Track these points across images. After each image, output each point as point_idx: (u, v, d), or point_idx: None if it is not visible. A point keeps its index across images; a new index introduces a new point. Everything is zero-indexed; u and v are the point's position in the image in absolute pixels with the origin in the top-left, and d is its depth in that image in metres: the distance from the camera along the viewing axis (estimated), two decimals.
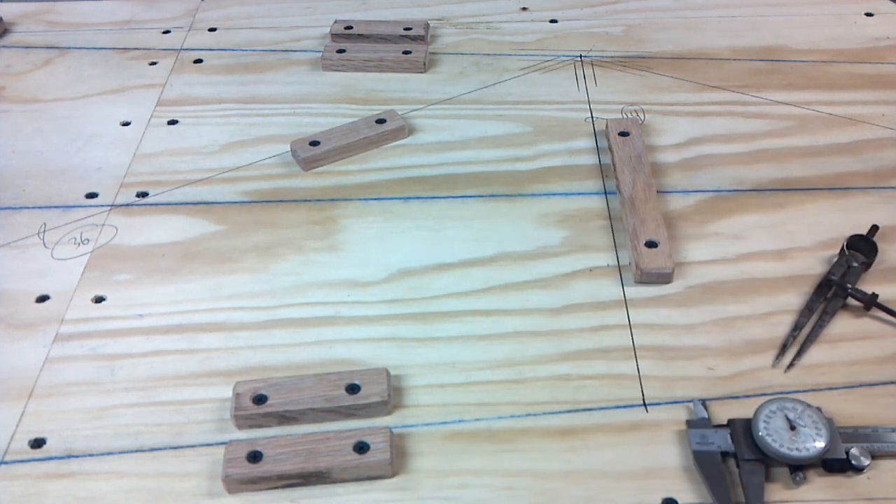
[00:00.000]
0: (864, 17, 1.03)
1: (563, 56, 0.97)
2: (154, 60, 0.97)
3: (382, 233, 0.76)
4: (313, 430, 0.61)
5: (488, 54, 0.98)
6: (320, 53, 0.96)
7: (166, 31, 1.02)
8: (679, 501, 0.56)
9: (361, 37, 0.98)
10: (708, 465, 0.57)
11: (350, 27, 0.98)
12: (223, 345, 0.67)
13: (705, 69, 0.95)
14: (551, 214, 0.77)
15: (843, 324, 0.68)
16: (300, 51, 0.99)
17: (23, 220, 0.77)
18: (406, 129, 0.86)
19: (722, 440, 0.58)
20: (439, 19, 1.04)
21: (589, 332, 0.67)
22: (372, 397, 0.61)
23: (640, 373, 0.64)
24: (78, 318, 0.69)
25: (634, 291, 0.70)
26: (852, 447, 0.57)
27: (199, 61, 0.97)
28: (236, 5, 1.07)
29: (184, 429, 0.61)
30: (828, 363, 0.65)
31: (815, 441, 0.57)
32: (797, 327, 0.67)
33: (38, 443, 0.61)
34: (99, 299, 0.71)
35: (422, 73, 0.95)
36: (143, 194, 0.80)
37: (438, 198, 0.80)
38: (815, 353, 0.66)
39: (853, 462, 0.57)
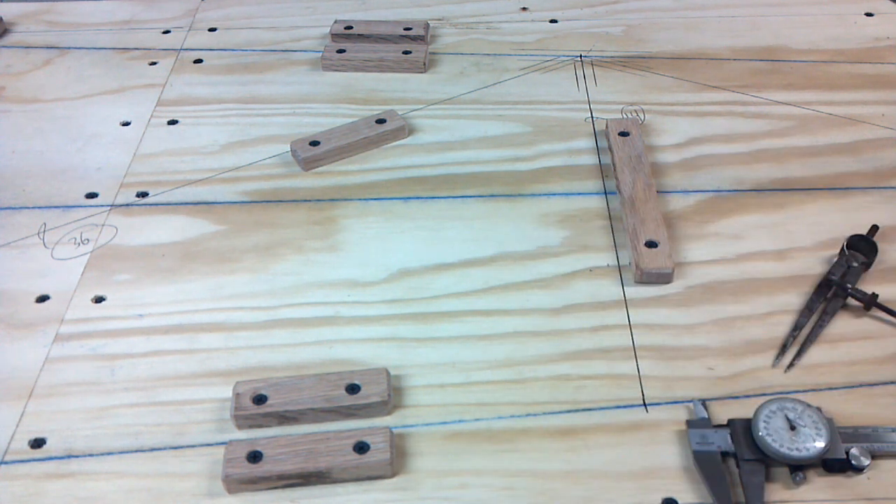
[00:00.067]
0: (864, 17, 1.03)
1: (563, 56, 0.97)
2: (154, 60, 0.97)
3: (382, 233, 0.76)
4: (313, 430, 0.61)
5: (488, 54, 0.98)
6: (320, 53, 0.96)
7: (166, 31, 1.02)
8: (679, 501, 0.56)
9: (361, 37, 0.98)
10: (708, 465, 0.57)
11: (350, 27, 0.98)
12: (223, 345, 0.67)
13: (705, 69, 0.95)
14: (551, 214, 0.77)
15: (843, 324, 0.68)
16: (300, 51, 0.99)
17: (23, 220, 0.78)
18: (406, 129, 0.86)
19: (722, 440, 0.58)
20: (439, 19, 1.04)
21: (589, 332, 0.67)
22: (372, 397, 0.61)
23: (640, 373, 0.64)
24: (78, 318, 0.69)
25: (634, 291, 0.70)
26: (852, 447, 0.57)
27: (199, 61, 0.97)
28: (236, 5, 1.07)
29: (184, 429, 0.61)
30: (828, 363, 0.65)
31: (815, 441, 0.57)
32: (797, 327, 0.67)
33: (38, 443, 0.61)
34: (99, 299, 0.71)
35: (422, 73, 0.95)
36: (143, 194, 0.80)
37: (438, 198, 0.80)
38: (815, 353, 0.66)
39: (853, 462, 0.57)
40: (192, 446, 0.60)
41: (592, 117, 0.88)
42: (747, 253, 0.73)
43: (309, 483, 0.58)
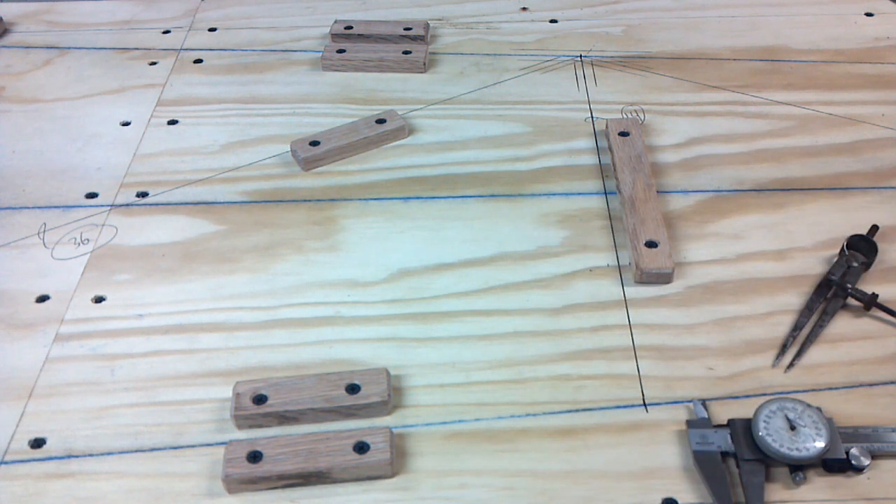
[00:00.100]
0: (864, 17, 1.03)
1: (563, 56, 0.97)
2: (154, 60, 0.97)
3: (382, 233, 0.76)
4: (313, 430, 0.61)
5: (488, 54, 0.98)
6: (320, 53, 0.96)
7: (166, 31, 1.02)
8: (679, 501, 0.56)
9: (361, 37, 0.98)
10: (708, 465, 0.57)
11: (350, 27, 0.98)
12: (223, 345, 0.67)
13: (705, 69, 0.95)
14: (551, 214, 0.77)
15: (843, 324, 0.68)
16: (300, 51, 0.99)
17: (23, 220, 0.78)
18: (406, 129, 0.86)
19: (722, 440, 0.58)
20: (439, 19, 1.04)
21: (589, 332, 0.67)
22: (372, 397, 0.61)
23: (640, 373, 0.64)
24: (78, 318, 0.69)
25: (634, 291, 0.70)
26: (852, 447, 0.57)
27: (199, 61, 0.97)
28: (236, 5, 1.07)
29: (184, 429, 0.61)
30: (828, 363, 0.65)
31: (815, 441, 0.57)
32: (797, 327, 0.67)
33: (38, 443, 0.61)
34: (99, 299, 0.71)
35: (422, 73, 0.95)
36: (143, 194, 0.80)
37: (438, 198, 0.80)
38: (815, 353, 0.66)
39: (853, 462, 0.57)
40: (192, 446, 0.60)
41: (592, 117, 0.88)
42: (747, 253, 0.73)
43: (309, 483, 0.58)
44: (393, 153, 0.85)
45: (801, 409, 0.59)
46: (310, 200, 0.79)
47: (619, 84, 0.93)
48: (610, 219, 0.77)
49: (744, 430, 0.59)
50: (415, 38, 0.97)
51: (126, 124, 0.88)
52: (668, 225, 0.75)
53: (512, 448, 0.60)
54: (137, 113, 0.90)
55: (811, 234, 0.75)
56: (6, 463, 0.59)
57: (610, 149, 0.83)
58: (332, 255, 0.74)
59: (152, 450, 0.60)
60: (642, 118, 0.88)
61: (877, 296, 0.68)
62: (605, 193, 0.80)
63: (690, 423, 0.60)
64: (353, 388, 0.61)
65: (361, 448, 0.58)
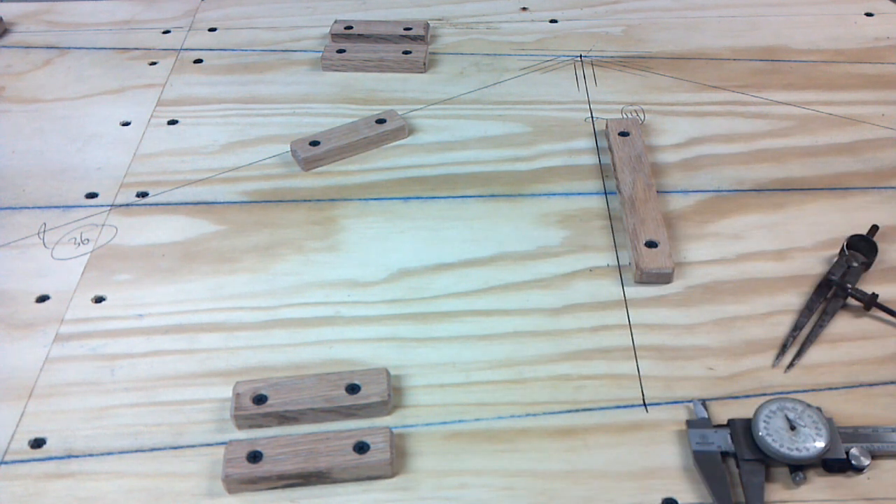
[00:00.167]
0: (864, 17, 1.03)
1: (563, 56, 0.97)
2: (154, 60, 0.97)
3: (382, 233, 0.76)
4: (313, 430, 0.61)
5: (488, 54, 0.98)
6: (320, 53, 0.96)
7: (166, 31, 1.02)
8: (679, 501, 0.56)
9: (361, 37, 0.98)
10: (708, 465, 0.57)
11: (350, 27, 0.98)
12: (223, 345, 0.67)
13: (705, 69, 0.95)
14: (551, 214, 0.77)
15: (843, 324, 0.68)
16: (300, 51, 0.99)
17: (23, 220, 0.78)
18: (406, 129, 0.86)
19: (722, 440, 0.58)
20: (439, 19, 1.04)
21: (589, 332, 0.67)
22: (372, 397, 0.61)
23: (640, 373, 0.64)
24: (78, 318, 0.69)
25: (634, 291, 0.70)
26: (852, 447, 0.57)
27: (199, 61, 0.97)
28: (236, 5, 1.07)
29: (184, 429, 0.61)
30: (828, 363, 0.65)
31: (815, 441, 0.57)
32: (797, 327, 0.67)
33: (38, 443, 0.61)
34: (99, 299, 0.71)
35: (422, 73, 0.95)
36: (143, 194, 0.80)
37: (438, 198, 0.80)
38: (815, 353, 0.66)
39: (853, 462, 0.57)
40: (192, 446, 0.60)
41: (592, 117, 0.88)
42: (747, 253, 0.73)
43: (309, 483, 0.58)
44: (393, 153, 0.85)
45: (801, 409, 0.59)
46: (310, 200, 0.79)
47: (619, 84, 0.93)
48: (610, 219, 0.77)
49: (744, 430, 0.59)
50: (415, 38, 0.97)
51: (126, 124, 0.88)
52: (668, 225, 0.75)
53: (512, 448, 0.60)
54: (137, 113, 0.90)
55: (811, 234, 0.75)
56: (6, 463, 0.59)
57: (610, 149, 0.83)
58: (332, 255, 0.74)
59: (152, 450, 0.60)
60: (642, 118, 0.88)
61: (877, 296, 0.68)
62: (605, 193, 0.80)
63: (690, 423, 0.60)
64: (353, 388, 0.61)
65: (361, 448, 0.58)
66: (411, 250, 0.74)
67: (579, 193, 0.80)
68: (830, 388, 0.63)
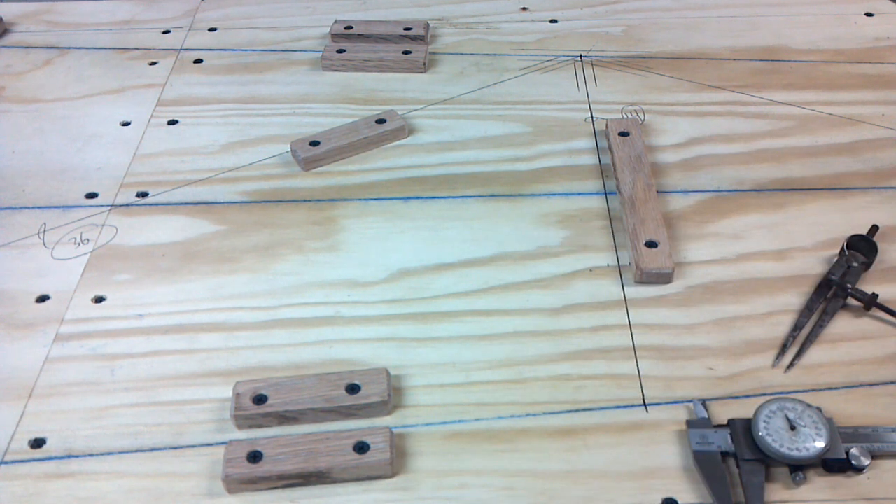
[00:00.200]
0: (864, 17, 1.03)
1: (563, 56, 0.97)
2: (154, 60, 0.97)
3: (382, 233, 0.76)
4: (313, 430, 0.61)
5: (488, 54, 0.98)
6: (320, 53, 0.96)
7: (166, 31, 1.02)
8: (679, 501, 0.56)
9: (361, 37, 0.98)
10: (708, 465, 0.57)
11: (350, 27, 0.98)
12: (223, 345, 0.67)
13: (705, 69, 0.95)
14: (551, 214, 0.77)
15: (843, 324, 0.68)
16: (300, 51, 0.99)
17: (23, 220, 0.78)
18: (406, 129, 0.86)
19: (722, 440, 0.58)
20: (439, 19, 1.04)
21: (589, 332, 0.67)
22: (372, 397, 0.61)
23: (640, 373, 0.64)
24: (78, 318, 0.69)
25: (634, 291, 0.70)
26: (852, 447, 0.57)
27: (199, 61, 0.97)
28: (236, 5, 1.07)
29: (184, 429, 0.61)
30: (828, 363, 0.65)
31: (815, 441, 0.57)
32: (797, 327, 0.67)
33: (38, 443, 0.61)
34: (99, 299, 0.71)
35: (422, 73, 0.95)
36: (143, 194, 0.80)
37: (438, 198, 0.80)
38: (815, 353, 0.66)
39: (853, 462, 0.57)
40: (192, 446, 0.60)
41: (592, 117, 0.88)
42: (747, 253, 0.73)
43: (309, 483, 0.58)
44: (393, 153, 0.85)
45: (801, 409, 0.59)
46: (310, 200, 0.79)
47: (619, 84, 0.93)
48: (610, 219, 0.77)
49: (744, 430, 0.59)
50: (415, 38, 0.97)
51: (126, 124, 0.88)
52: (668, 225, 0.75)
53: (512, 448, 0.60)
54: (137, 113, 0.90)
55: (811, 234, 0.75)
56: (6, 463, 0.59)
57: (610, 149, 0.83)
58: (332, 255, 0.74)
59: (152, 450, 0.60)
60: (642, 118, 0.88)
61: (877, 296, 0.68)
62: (605, 193, 0.80)
63: (690, 423, 0.60)
64: (353, 388, 0.61)
65: (361, 448, 0.58)
66: (411, 250, 0.74)
67: (579, 193, 0.80)
68: (830, 388, 0.63)
